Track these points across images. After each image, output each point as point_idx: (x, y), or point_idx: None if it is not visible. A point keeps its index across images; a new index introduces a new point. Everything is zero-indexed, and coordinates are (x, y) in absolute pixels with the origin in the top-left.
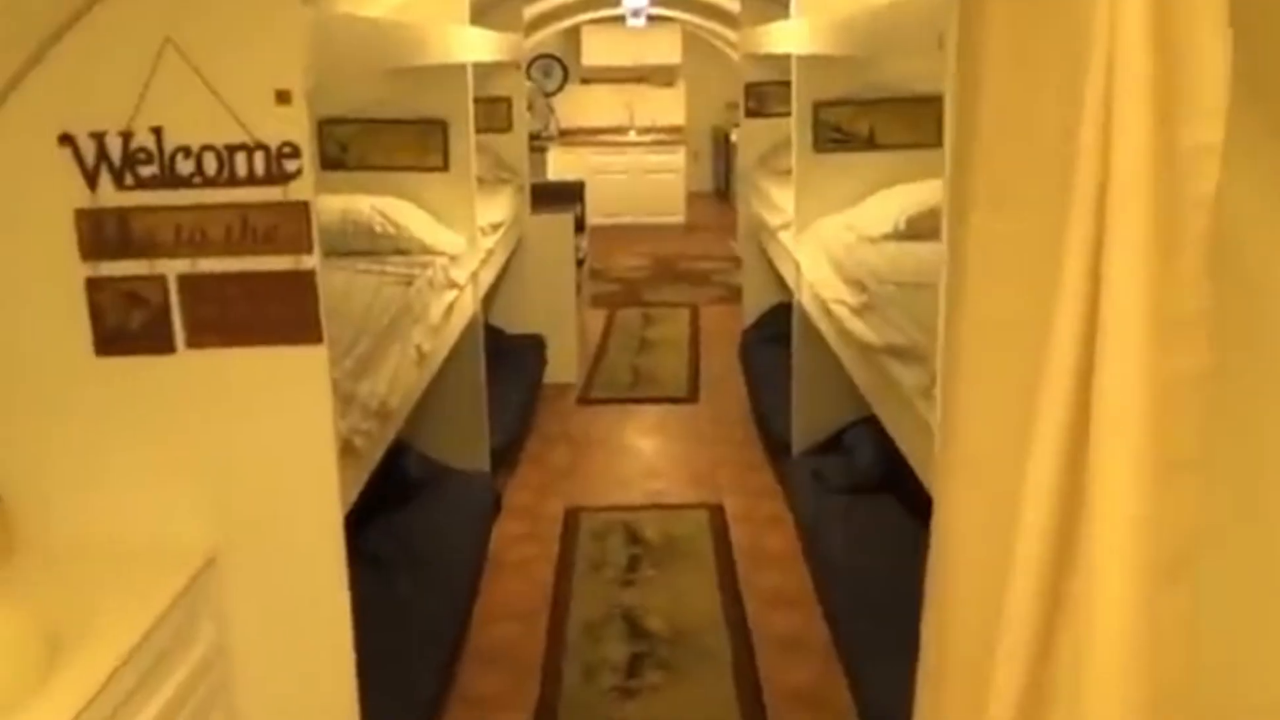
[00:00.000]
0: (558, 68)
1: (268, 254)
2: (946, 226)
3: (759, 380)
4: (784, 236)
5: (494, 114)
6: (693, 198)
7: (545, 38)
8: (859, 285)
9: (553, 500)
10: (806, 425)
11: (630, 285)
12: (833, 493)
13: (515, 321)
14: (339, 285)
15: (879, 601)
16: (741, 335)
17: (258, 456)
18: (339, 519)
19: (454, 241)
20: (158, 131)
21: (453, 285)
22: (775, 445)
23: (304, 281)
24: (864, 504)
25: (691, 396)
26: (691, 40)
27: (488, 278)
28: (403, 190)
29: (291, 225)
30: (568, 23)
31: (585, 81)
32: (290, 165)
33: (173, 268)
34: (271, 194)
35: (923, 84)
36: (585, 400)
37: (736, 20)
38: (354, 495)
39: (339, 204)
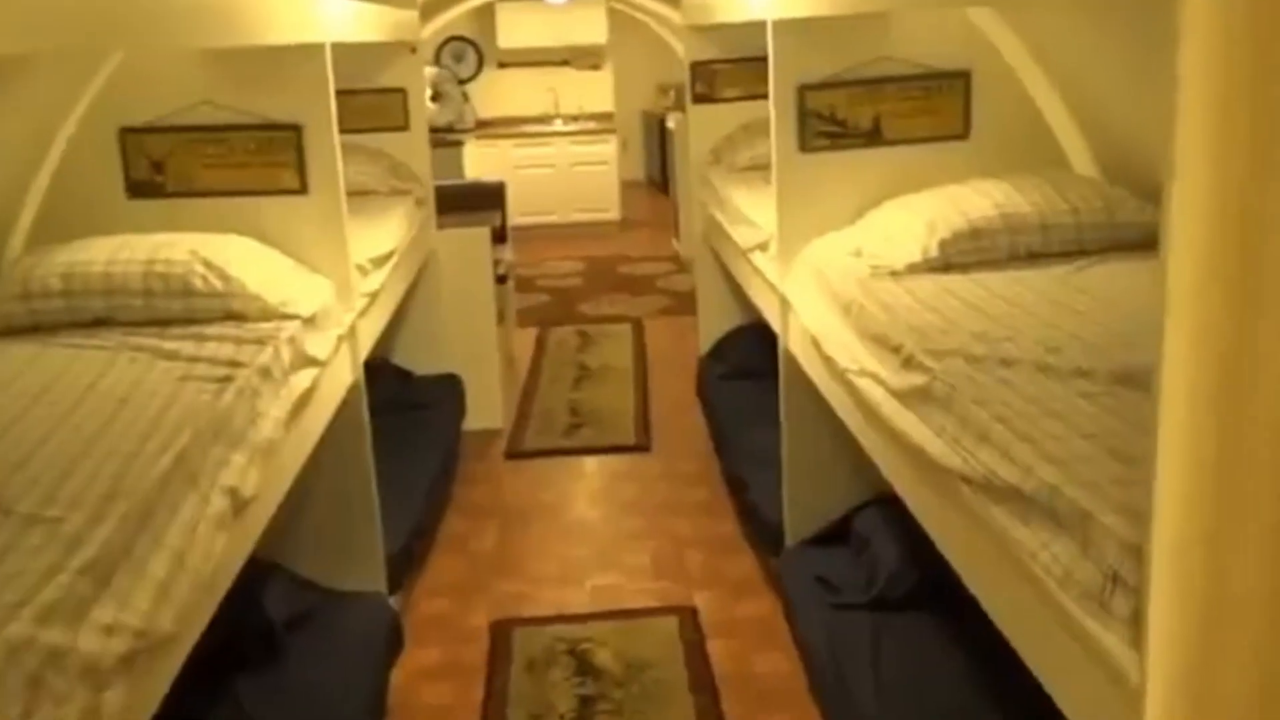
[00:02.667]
0: (471, 51)
1: None
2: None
3: (727, 430)
4: (760, 260)
5: (385, 109)
6: (625, 188)
7: (455, 18)
8: (902, 354)
9: (475, 608)
10: (802, 505)
11: (563, 296)
12: (848, 608)
13: (426, 359)
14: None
15: None
16: (698, 365)
17: None
18: None
19: (313, 293)
20: None
21: (309, 362)
22: (758, 525)
23: None
24: (895, 628)
25: (642, 443)
26: (618, 17)
27: (374, 327)
28: (245, 222)
29: None
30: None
31: (503, 66)
32: None
33: None
34: None
35: (944, 55)
36: (515, 454)
37: None
38: None
39: (146, 248)
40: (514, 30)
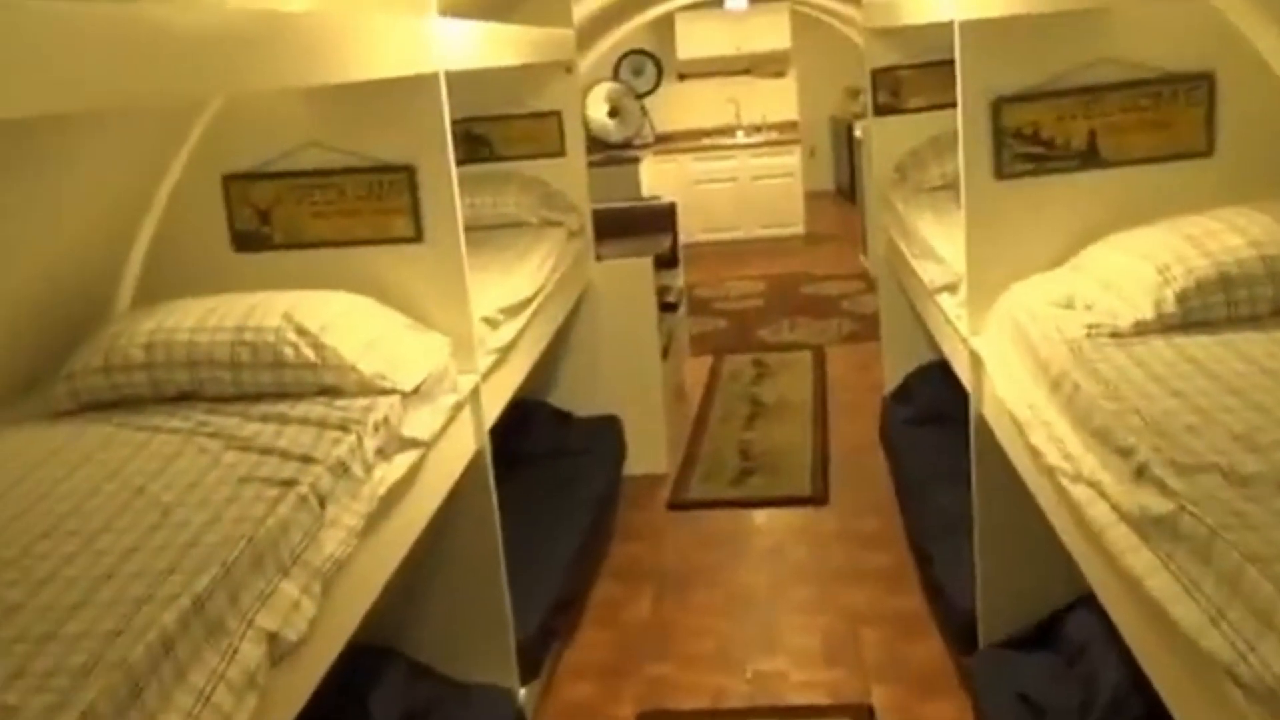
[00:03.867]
0: (650, 65)
1: None
2: None
3: (911, 487)
4: (948, 304)
5: (539, 134)
6: (811, 199)
7: (633, 31)
8: (1133, 461)
9: (622, 696)
10: (999, 595)
11: (741, 320)
12: None
13: (585, 399)
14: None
15: None
16: (882, 405)
17: None
18: None
19: (423, 357)
20: None
21: (407, 444)
22: (944, 608)
23: None
24: None
25: (818, 494)
26: (801, 21)
27: (507, 386)
28: (356, 275)
29: None
30: (657, 10)
31: (683, 78)
32: None
33: None
34: None
35: (1180, 54)
36: (678, 504)
37: None
38: None
39: (238, 312)
40: (693, 40)
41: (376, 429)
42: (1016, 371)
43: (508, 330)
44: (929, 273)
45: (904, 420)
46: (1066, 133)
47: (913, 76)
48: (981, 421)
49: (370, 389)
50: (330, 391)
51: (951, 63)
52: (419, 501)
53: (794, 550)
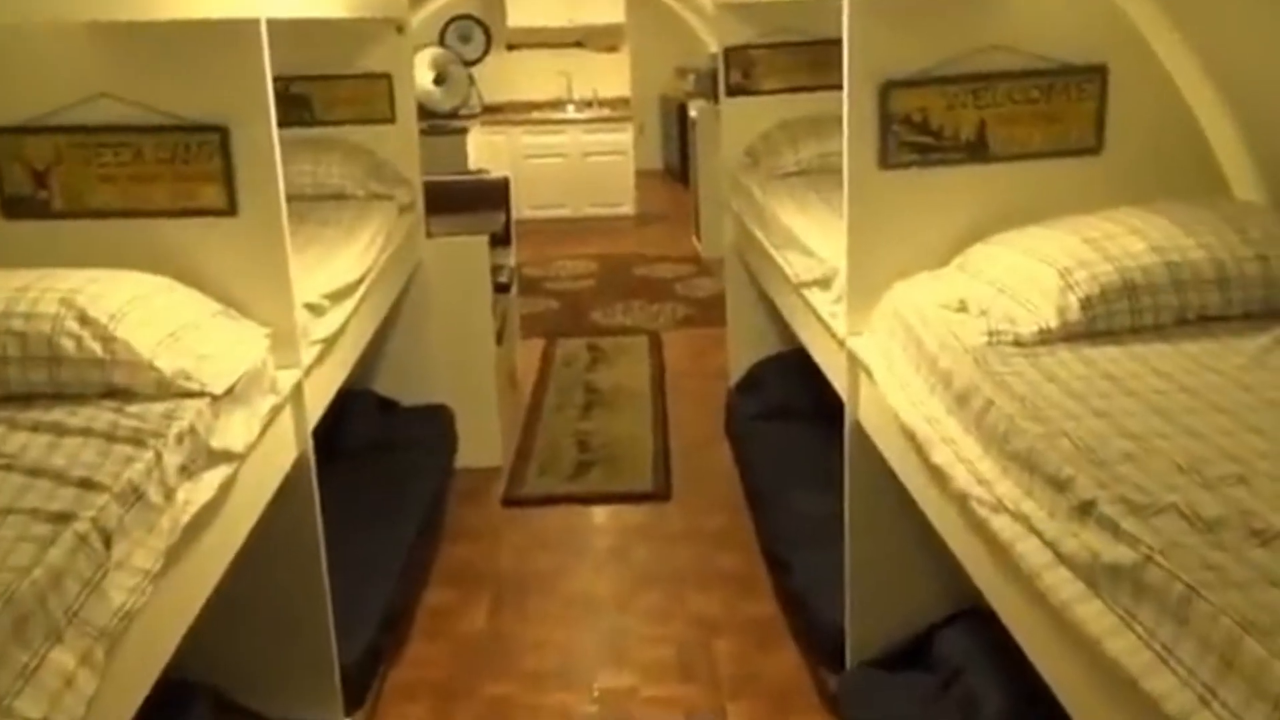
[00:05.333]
0: (478, 31)
1: None
2: None
3: (763, 489)
4: (818, 300)
5: (367, 98)
6: (641, 178)
7: None
8: (1074, 496)
9: None
10: (870, 615)
11: (573, 302)
12: None
13: (413, 387)
14: None
15: None
16: (728, 398)
17: None
18: None
19: (237, 353)
20: None
21: (218, 458)
22: (806, 621)
23: None
24: None
25: (660, 489)
26: None
27: (331, 380)
28: (154, 252)
29: None
30: None
31: (512, 47)
32: None
33: None
34: None
35: (1074, 44)
36: (513, 500)
37: None
38: None
39: (6, 293)
40: (525, 8)
41: (180, 441)
42: (908, 379)
43: (334, 317)
44: (794, 265)
45: (752, 414)
46: (956, 122)
47: (766, 56)
48: (858, 429)
49: (172, 391)
50: (121, 394)
51: (806, 44)
52: (231, 525)
53: (638, 551)
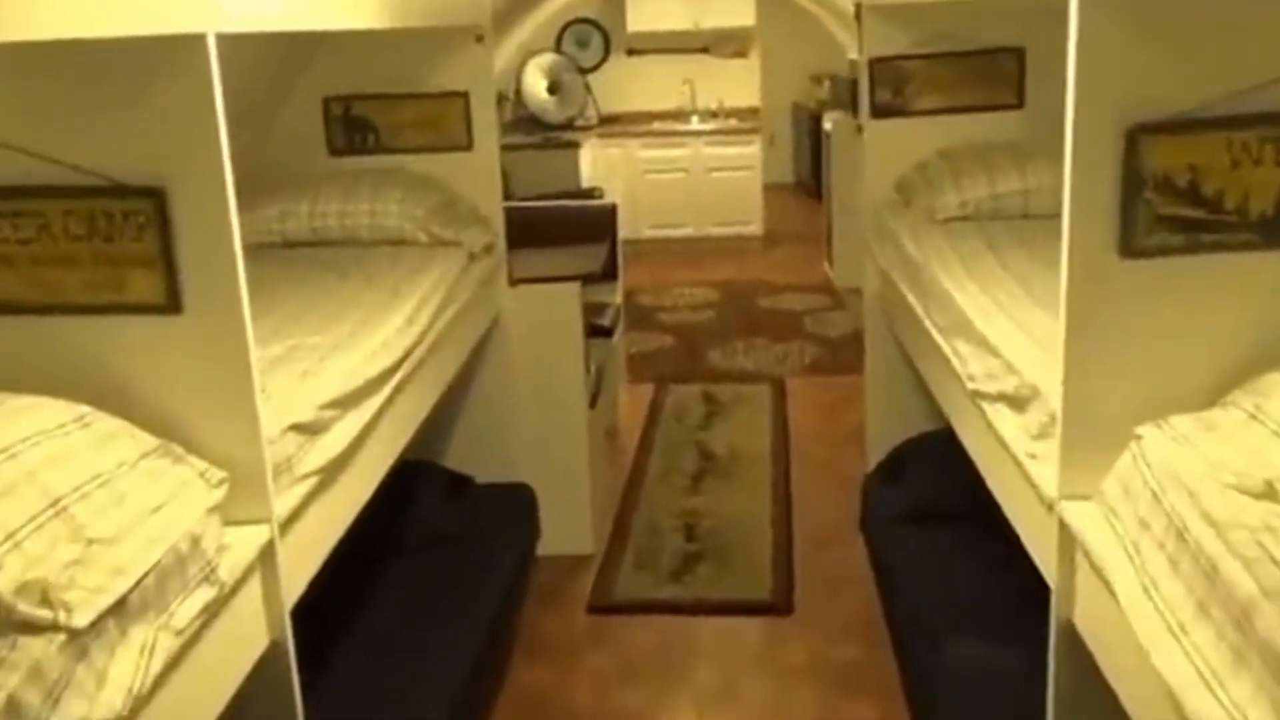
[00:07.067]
0: (597, 36)
1: None
2: None
3: (911, 627)
4: (1007, 425)
5: (440, 120)
6: (770, 191)
7: None
8: None
9: None
10: None
11: (689, 337)
12: None
13: (489, 461)
14: None
15: None
16: (864, 485)
17: None
18: None
19: (148, 532)
20: None
21: None
22: None
23: None
24: None
25: (782, 601)
26: None
27: (339, 514)
28: (72, 364)
29: None
30: None
31: (632, 53)
32: None
33: None
34: None
35: None
36: (602, 608)
37: None
38: None
39: None
40: (646, 11)
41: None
42: (1174, 604)
43: (343, 431)
44: (969, 364)
45: (895, 515)
46: (1244, 186)
47: (922, 69)
48: (1069, 632)
49: (12, 620)
50: None
51: (974, 54)
52: None
53: (750, 689)
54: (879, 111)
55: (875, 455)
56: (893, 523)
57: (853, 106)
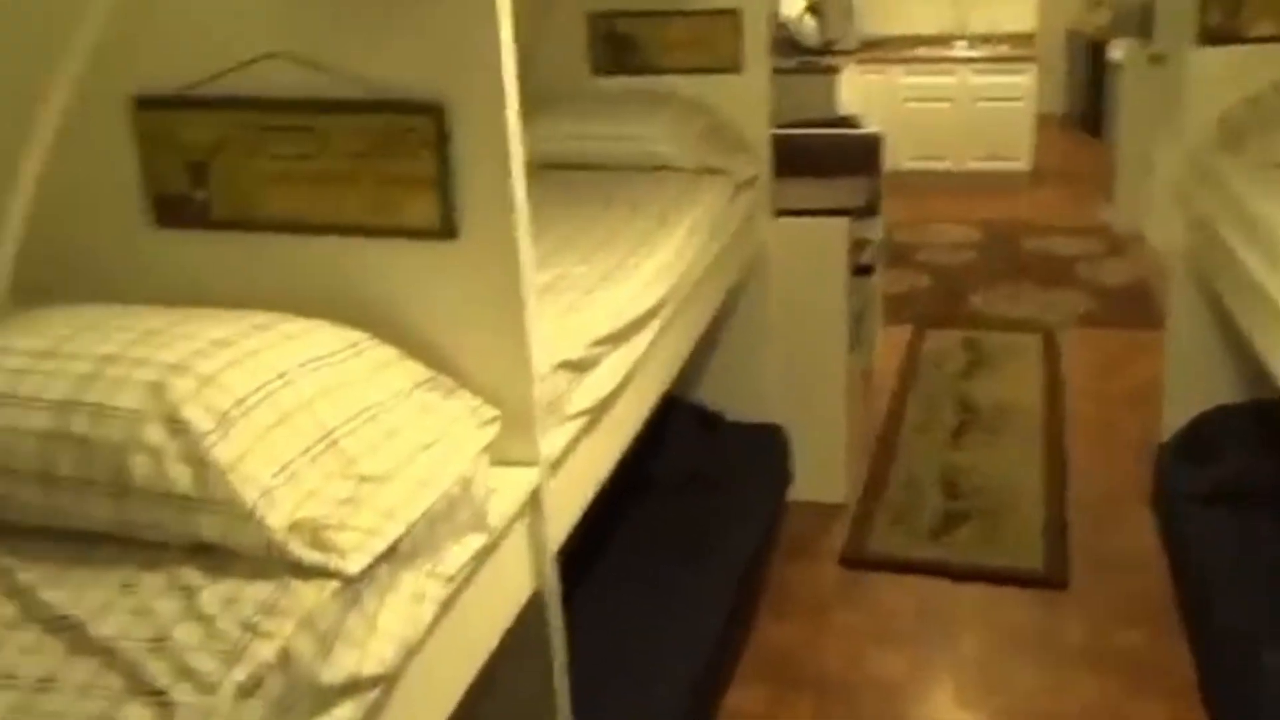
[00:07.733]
0: None
1: None
2: None
3: (1217, 629)
4: None
5: (709, 39)
6: (1038, 125)
7: None
8: None
9: None
10: None
11: (949, 279)
12: None
13: (743, 399)
14: None
15: None
16: (1158, 457)
17: None
18: None
19: (420, 473)
20: None
21: (338, 692)
22: None
23: None
24: None
25: (1057, 573)
26: None
27: (605, 454)
28: (347, 288)
29: None
30: None
31: None
32: None
33: None
34: None
35: None
36: (855, 561)
37: None
38: None
39: (89, 360)
40: None
41: (250, 692)
42: None
43: (611, 368)
44: None
45: (1197, 494)
46: None
47: None
48: None
49: (286, 560)
50: (217, 553)
51: None
52: None
53: (1019, 672)
54: (1211, 37)
55: (1172, 423)
56: (1195, 502)
57: (1143, 34)
